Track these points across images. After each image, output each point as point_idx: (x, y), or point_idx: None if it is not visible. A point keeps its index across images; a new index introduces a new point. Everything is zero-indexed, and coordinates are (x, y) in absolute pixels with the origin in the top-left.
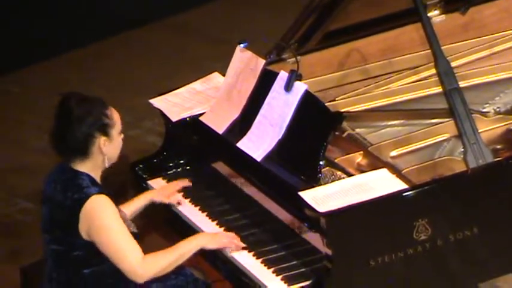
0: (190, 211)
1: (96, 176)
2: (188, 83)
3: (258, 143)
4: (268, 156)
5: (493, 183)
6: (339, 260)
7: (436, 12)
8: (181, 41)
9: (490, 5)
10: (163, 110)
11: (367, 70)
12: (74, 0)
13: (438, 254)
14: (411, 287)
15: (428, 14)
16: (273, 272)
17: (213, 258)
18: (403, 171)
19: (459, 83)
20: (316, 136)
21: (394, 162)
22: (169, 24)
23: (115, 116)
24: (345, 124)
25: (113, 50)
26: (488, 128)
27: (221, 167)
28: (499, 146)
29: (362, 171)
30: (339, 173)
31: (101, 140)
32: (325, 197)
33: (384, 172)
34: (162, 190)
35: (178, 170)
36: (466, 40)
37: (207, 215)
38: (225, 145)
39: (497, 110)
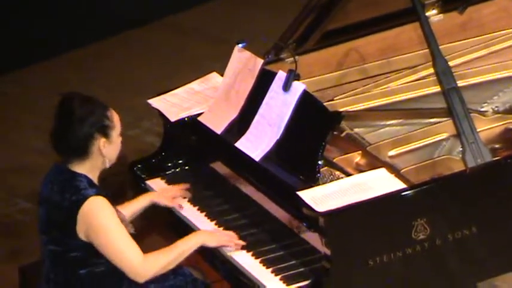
0: (189, 211)
1: (94, 177)
2: (187, 83)
3: (256, 143)
4: (267, 156)
5: (492, 183)
6: (338, 260)
7: (434, 11)
8: (180, 40)
9: (488, 4)
10: (161, 110)
11: (365, 70)
12: (74, 0)
13: (437, 254)
14: (410, 287)
15: (426, 13)
16: (272, 272)
17: (212, 258)
18: (402, 171)
19: (457, 82)
20: (314, 136)
21: (392, 161)
22: (169, 24)
23: (115, 118)
24: (343, 124)
25: (113, 50)
26: (486, 127)
27: (220, 167)
28: (497, 145)
29: (360, 171)
30: (337, 172)
31: (101, 141)
32: (324, 197)
33: (382, 172)
34: (164, 192)
35: (177, 170)
36: (464, 39)
37: (205, 215)
38: (223, 145)
39: (496, 109)
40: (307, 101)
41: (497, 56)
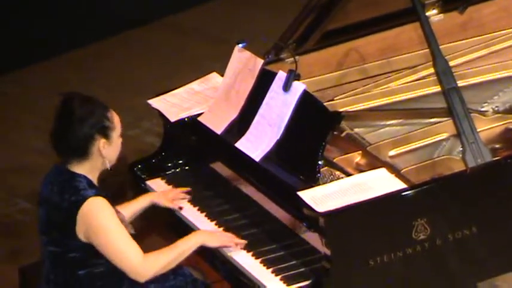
0: (189, 211)
1: (93, 178)
2: (187, 83)
3: (256, 143)
4: (267, 157)
5: (492, 183)
6: (338, 260)
7: (434, 11)
8: (180, 40)
9: (489, 4)
10: (161, 111)
11: (366, 70)
12: (74, 0)
13: (437, 254)
14: (410, 287)
15: (427, 13)
16: (272, 272)
17: (212, 258)
18: (402, 171)
19: (457, 82)
20: (314, 136)
21: (392, 161)
22: (169, 24)
23: (116, 119)
24: (343, 124)
25: (113, 50)
26: (486, 127)
27: (220, 167)
28: (497, 145)
29: (361, 171)
30: (337, 172)
31: (101, 142)
32: (324, 197)
33: (382, 172)
34: (165, 194)
35: (177, 170)
36: (464, 39)
37: (206, 216)
38: (223, 145)
39: (496, 109)
40: (307, 101)
41: (498, 55)
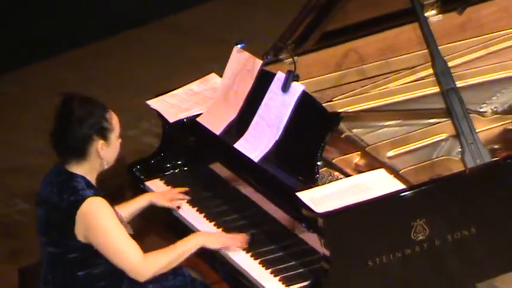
0: (187, 212)
1: (92, 178)
2: (186, 84)
3: (255, 144)
4: (266, 157)
5: (491, 183)
6: (337, 261)
7: (433, 12)
8: (180, 40)
9: (488, 4)
10: (160, 111)
11: (364, 70)
12: (74, 0)
13: (436, 254)
14: None
15: (426, 14)
16: (271, 273)
17: (211, 259)
18: (401, 172)
19: (456, 82)
20: (313, 137)
21: (391, 162)
22: (169, 24)
23: (114, 120)
24: (342, 124)
25: (112, 50)
26: (485, 128)
27: (218, 168)
28: (496, 146)
29: (359, 172)
30: (336, 173)
31: (99, 143)
32: (323, 198)
33: (381, 172)
34: (163, 194)
35: (176, 171)
36: (463, 40)
37: (204, 216)
38: (222, 146)
39: (495, 109)
40: (306, 102)
41: (496, 56)
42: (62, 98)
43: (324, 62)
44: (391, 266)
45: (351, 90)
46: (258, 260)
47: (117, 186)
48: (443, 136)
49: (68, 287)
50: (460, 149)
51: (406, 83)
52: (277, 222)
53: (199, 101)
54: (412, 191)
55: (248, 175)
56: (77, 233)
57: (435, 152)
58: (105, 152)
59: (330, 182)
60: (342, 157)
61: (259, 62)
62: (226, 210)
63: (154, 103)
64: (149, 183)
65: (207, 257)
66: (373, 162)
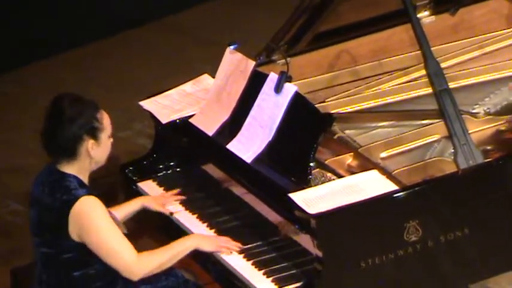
0: (180, 214)
1: (84, 177)
2: (179, 85)
3: (248, 145)
4: (258, 158)
5: (484, 184)
6: (330, 262)
7: (426, 13)
8: (180, 41)
9: (480, 5)
10: (153, 112)
11: (357, 71)
12: (74, 0)
13: (429, 255)
14: None
15: (418, 15)
16: (264, 274)
17: (203, 260)
18: (394, 173)
19: (449, 84)
20: (306, 138)
21: (384, 163)
22: (169, 24)
23: (105, 119)
24: (335, 125)
25: (111, 50)
26: (478, 129)
27: (211, 169)
28: (489, 147)
29: (352, 173)
30: (329, 174)
31: (89, 143)
32: (316, 199)
33: (374, 173)
34: (156, 198)
35: (169, 172)
36: (456, 41)
37: (197, 217)
38: (215, 147)
39: (487, 111)
40: (298, 103)
41: (489, 57)
42: (53, 98)
43: (317, 63)
44: (384, 267)
45: (344, 91)
46: (251, 261)
47: (109, 185)
48: (436, 137)
49: (63, 287)
50: (452, 150)
51: (398, 84)
52: (270, 223)
53: (192, 102)
54: (405, 192)
55: (241, 176)
56: (70, 232)
57: (428, 153)
58: (96, 152)
59: (322, 183)
60: (335, 158)
61: (252, 63)
62: (219, 211)
63: (146, 104)
64: (142, 185)
65: (199, 257)
66: (365, 163)
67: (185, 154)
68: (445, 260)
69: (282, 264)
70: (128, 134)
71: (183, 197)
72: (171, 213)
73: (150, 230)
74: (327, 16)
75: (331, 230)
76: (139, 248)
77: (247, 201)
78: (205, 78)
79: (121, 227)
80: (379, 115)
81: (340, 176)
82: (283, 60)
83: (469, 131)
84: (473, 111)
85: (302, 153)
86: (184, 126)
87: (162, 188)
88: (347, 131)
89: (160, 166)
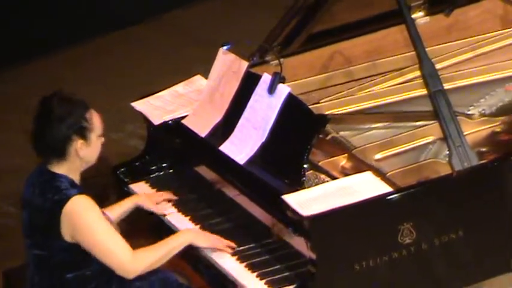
0: (173, 215)
1: (74, 177)
2: (171, 86)
3: (240, 147)
4: (252, 160)
5: (478, 186)
6: (323, 264)
7: (421, 13)
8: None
9: (474, 6)
10: (145, 113)
11: (351, 72)
12: None
13: (423, 258)
14: None
15: (413, 16)
16: (257, 276)
17: (196, 262)
18: (388, 174)
19: (444, 85)
20: (299, 139)
21: (378, 165)
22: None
23: (95, 119)
24: (328, 127)
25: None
26: (473, 131)
27: (204, 170)
28: (484, 149)
29: (346, 175)
30: (322, 176)
31: (78, 143)
32: (309, 201)
33: (368, 175)
34: (149, 196)
35: (161, 173)
36: (450, 42)
37: (190, 219)
38: (207, 148)
39: (482, 112)
40: (292, 104)
41: (484, 58)
42: (42, 97)
43: (310, 64)
44: (378, 269)
45: (338, 93)
46: (244, 263)
47: (101, 186)
48: (430, 139)
49: None
50: (447, 152)
51: (393, 85)
52: (263, 225)
53: (185, 103)
54: (399, 194)
55: (234, 178)
56: (63, 233)
57: (423, 154)
58: (85, 152)
59: (316, 184)
60: (329, 160)
61: (245, 64)
62: (211, 213)
63: (138, 105)
64: (134, 186)
65: (191, 259)
66: (360, 165)
67: (178, 155)
68: (440, 262)
69: (276, 267)
70: (119, 136)
71: (175, 197)
72: (164, 215)
73: (142, 231)
74: (320, 17)
75: (325, 232)
76: (132, 248)
77: (240, 203)
78: (198, 79)
79: (115, 226)
80: (373, 116)
81: (334, 178)
82: (277, 61)
83: (464, 133)
84: (469, 112)
85: (295, 154)
86: (176, 127)
87: (155, 190)
88: (341, 132)
89: (153, 168)
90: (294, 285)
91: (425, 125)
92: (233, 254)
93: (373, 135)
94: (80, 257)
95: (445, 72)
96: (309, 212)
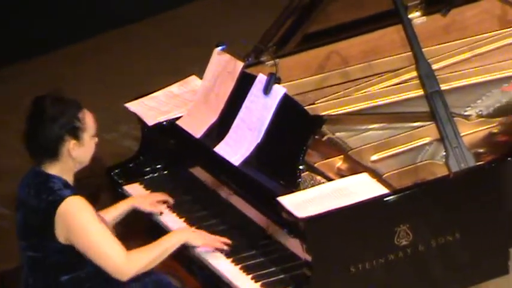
0: (167, 217)
1: (68, 178)
2: (168, 86)
3: (235, 148)
4: (247, 161)
5: (475, 188)
6: (319, 266)
7: (417, 13)
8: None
9: (472, 6)
10: (139, 114)
11: (347, 73)
12: None
13: (420, 260)
14: None
15: (409, 16)
16: (252, 279)
17: (189, 264)
18: (384, 176)
19: (440, 85)
20: (295, 140)
21: (374, 166)
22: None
23: (88, 119)
24: (324, 128)
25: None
26: (470, 132)
27: (199, 172)
28: (481, 150)
29: (342, 176)
30: (318, 177)
31: (71, 143)
32: (305, 202)
33: (364, 177)
34: (146, 198)
35: (155, 175)
36: (447, 42)
37: (185, 221)
38: (202, 150)
39: (480, 113)
40: (287, 105)
41: (481, 59)
42: (35, 97)
43: (306, 65)
44: (374, 271)
45: (334, 93)
46: (239, 266)
47: (95, 187)
48: (427, 140)
49: None
50: (444, 153)
51: (389, 86)
52: (258, 227)
53: (179, 103)
54: (395, 196)
55: (229, 179)
56: (57, 234)
57: (419, 156)
58: (78, 152)
59: (312, 186)
60: (325, 161)
61: (240, 64)
62: (206, 214)
63: (133, 106)
64: (128, 188)
65: (185, 261)
66: (356, 166)
67: (172, 157)
68: (436, 264)
69: (271, 269)
70: (113, 136)
71: (170, 199)
72: (161, 213)
73: (137, 234)
74: (316, 16)
75: (321, 234)
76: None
77: (235, 204)
78: (193, 79)
79: (109, 228)
80: (369, 117)
81: (329, 179)
82: (272, 62)
83: (461, 134)
84: (465, 113)
85: (291, 156)
86: (171, 128)
87: (149, 191)
88: (337, 134)
89: (147, 169)
90: None
91: (422, 126)
92: (228, 256)
93: (370, 136)
94: (75, 258)
95: (441, 72)
96: (305, 214)
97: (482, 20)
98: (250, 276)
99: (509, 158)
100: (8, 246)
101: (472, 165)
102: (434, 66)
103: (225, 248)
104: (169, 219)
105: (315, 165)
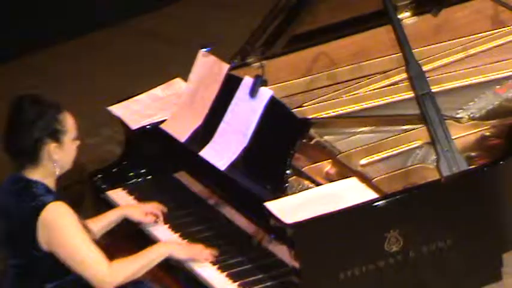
0: (151, 223)
1: (50, 183)
2: (148, 89)
3: (221, 152)
4: (233, 166)
5: (467, 192)
6: (307, 273)
7: (407, 14)
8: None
9: (463, 6)
10: (122, 118)
11: (336, 75)
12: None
13: (410, 267)
14: None
15: (399, 16)
16: (238, 286)
17: (175, 271)
18: (374, 180)
19: (431, 87)
20: (282, 144)
21: (364, 170)
22: (137, 26)
23: (69, 121)
24: (312, 131)
25: (79, 53)
26: (462, 135)
27: (184, 177)
28: (473, 153)
29: (331, 181)
30: (306, 182)
31: (51, 146)
32: (292, 208)
33: (353, 181)
34: (138, 208)
35: (139, 180)
36: (438, 43)
37: (169, 227)
38: (187, 154)
39: (471, 115)
40: (274, 108)
41: (472, 60)
42: (13, 98)
43: (294, 66)
44: (364, 278)
45: (322, 96)
46: (225, 273)
47: (77, 193)
48: (418, 143)
49: None
50: (435, 157)
51: (379, 88)
52: (244, 233)
53: (164, 106)
54: (385, 201)
55: (214, 184)
56: (40, 241)
57: (410, 159)
58: (59, 156)
59: (299, 191)
60: (313, 165)
61: (225, 66)
62: (191, 220)
63: (115, 109)
64: (111, 193)
65: (171, 269)
66: (344, 171)
67: (156, 161)
68: (427, 271)
69: (258, 276)
70: (96, 140)
71: (165, 208)
72: (155, 222)
73: (119, 238)
74: (303, 17)
75: (309, 240)
76: (109, 256)
77: (221, 210)
78: (177, 82)
79: (95, 236)
80: (358, 120)
81: (317, 184)
82: (258, 64)
83: (453, 137)
84: (457, 116)
85: (278, 160)
86: (155, 132)
87: (133, 197)
88: (325, 137)
89: (131, 174)
90: None
91: (413, 129)
92: (214, 263)
93: (359, 140)
94: (59, 266)
95: (432, 74)
96: (292, 220)
97: (472, 20)
98: (236, 284)
99: (501, 162)
100: None
101: (463, 169)
102: (425, 68)
103: (210, 257)
104: (153, 225)
105: (303, 169)
